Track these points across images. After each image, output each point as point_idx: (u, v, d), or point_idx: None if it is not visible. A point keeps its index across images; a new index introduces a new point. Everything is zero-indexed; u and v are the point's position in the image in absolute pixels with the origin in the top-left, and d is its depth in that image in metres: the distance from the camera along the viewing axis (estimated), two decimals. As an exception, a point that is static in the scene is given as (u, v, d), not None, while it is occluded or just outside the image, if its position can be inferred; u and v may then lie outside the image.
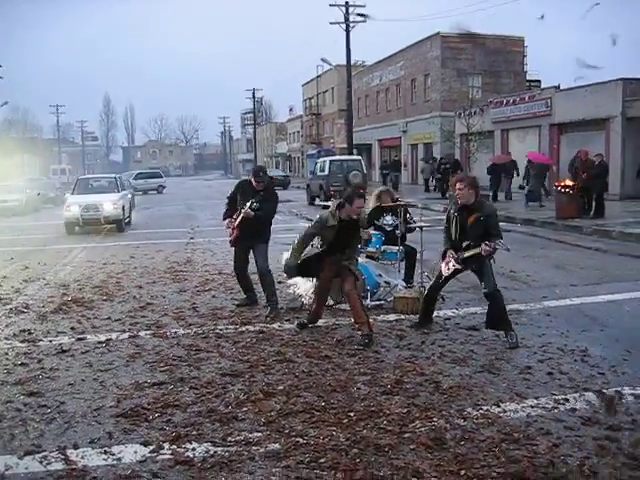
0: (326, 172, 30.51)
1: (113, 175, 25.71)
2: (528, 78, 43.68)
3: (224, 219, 9.22)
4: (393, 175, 39.40)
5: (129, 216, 23.22)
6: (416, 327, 7.82)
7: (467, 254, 7.20)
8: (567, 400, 5.40)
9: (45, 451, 4.65)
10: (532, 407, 5.28)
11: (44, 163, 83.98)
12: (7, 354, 7.17)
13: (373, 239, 9.28)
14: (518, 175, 26.54)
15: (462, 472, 4.18)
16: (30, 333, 8.04)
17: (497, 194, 26.43)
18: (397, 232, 9.55)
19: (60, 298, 10.13)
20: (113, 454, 4.59)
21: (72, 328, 8.25)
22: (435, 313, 8.21)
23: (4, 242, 18.59)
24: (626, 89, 25.49)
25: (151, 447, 4.67)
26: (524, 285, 10.35)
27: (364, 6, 39.83)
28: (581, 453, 4.44)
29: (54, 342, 7.59)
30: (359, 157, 35.04)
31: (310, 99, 74.41)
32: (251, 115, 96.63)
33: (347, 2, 39.75)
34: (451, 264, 7.33)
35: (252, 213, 8.63)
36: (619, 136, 25.45)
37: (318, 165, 32.86)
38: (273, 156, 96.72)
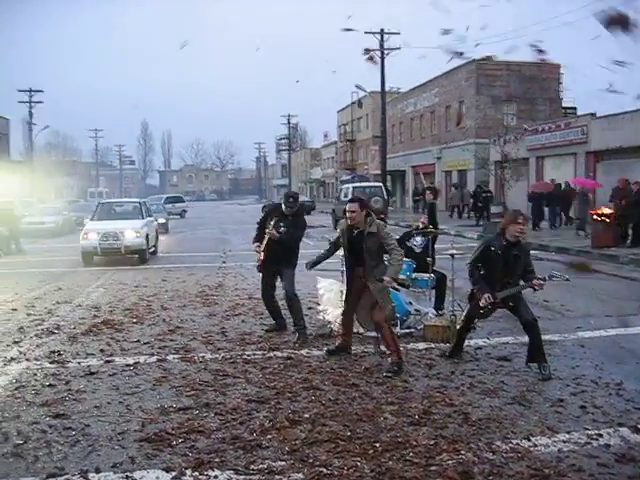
0: (349, 197, 30.59)
1: (137, 200, 23.28)
2: (564, 105, 43.37)
3: (253, 242, 9.23)
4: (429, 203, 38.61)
5: (154, 245, 21.04)
6: (446, 356, 7.69)
7: (507, 293, 7.04)
8: (600, 435, 5.23)
9: (67, 474, 4.63)
10: (564, 442, 5.12)
11: (82, 186, 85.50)
12: (36, 375, 7.21)
13: (404, 266, 9.19)
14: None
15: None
16: (60, 354, 8.09)
17: (537, 223, 25.96)
18: (428, 259, 9.45)
19: (91, 320, 10.19)
20: (135, 479, 4.54)
21: (101, 350, 8.27)
22: (466, 343, 8.07)
23: (40, 263, 18.87)
24: (665, 117, 25.11)
25: (173, 473, 4.62)
26: (558, 315, 10.16)
27: (399, 33, 40.08)
28: (614, 492, 4.28)
29: (82, 364, 7.61)
30: (380, 184, 35.92)
31: (345, 125, 74.74)
32: (286, 141, 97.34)
33: (382, 30, 39.99)
34: (484, 303, 7.06)
35: (277, 234, 8.61)
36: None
37: (342, 191, 33.98)
38: (307, 182, 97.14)
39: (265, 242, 8.79)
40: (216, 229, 35.13)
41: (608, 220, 18.34)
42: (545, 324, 9.02)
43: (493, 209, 29.13)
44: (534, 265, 7.26)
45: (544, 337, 7.83)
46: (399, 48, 39.56)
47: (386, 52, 40.19)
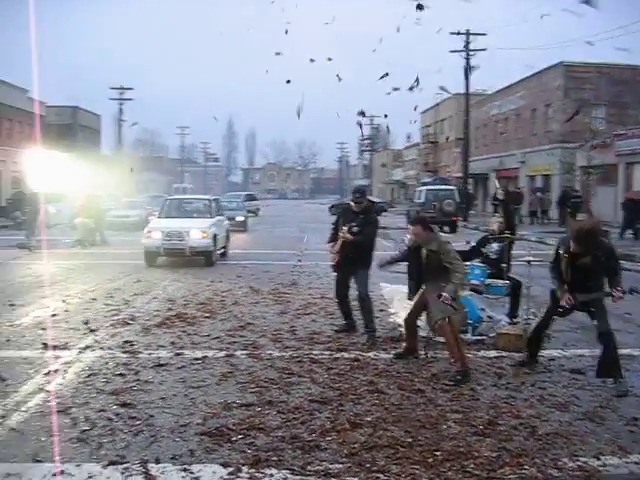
0: (422, 200, 32.75)
1: (207, 197, 21.74)
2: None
3: (328, 243, 9.23)
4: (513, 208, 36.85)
5: (224, 246, 19.41)
6: (518, 366, 7.47)
7: (587, 298, 6.82)
8: (677, 459, 4.96)
9: (128, 462, 4.72)
10: (636, 464, 4.87)
11: (168, 181, 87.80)
12: (108, 364, 7.40)
13: (477, 271, 9.01)
14: None
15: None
16: (132, 345, 8.28)
17: (624, 232, 24.88)
18: (503, 265, 9.20)
19: (165, 312, 10.40)
20: (192, 472, 4.59)
21: (172, 343, 8.42)
22: (539, 353, 7.84)
23: (122, 255, 19.43)
24: None
25: (230, 469, 4.64)
26: (639, 329, 9.72)
27: (485, 34, 39.38)
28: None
29: (153, 355, 7.77)
30: (454, 187, 36.67)
31: (428, 127, 74.03)
32: (368, 142, 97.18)
33: (468, 31, 39.41)
34: (565, 304, 6.90)
35: (350, 237, 8.56)
36: None
37: (416, 193, 35.78)
38: (388, 183, 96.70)
39: (340, 243, 8.77)
40: (294, 227, 35.35)
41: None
42: (624, 338, 8.68)
43: (579, 217, 28.21)
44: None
45: (622, 351, 7.52)
46: (485, 49, 38.92)
47: (471, 53, 39.57)
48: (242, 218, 31.45)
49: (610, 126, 36.73)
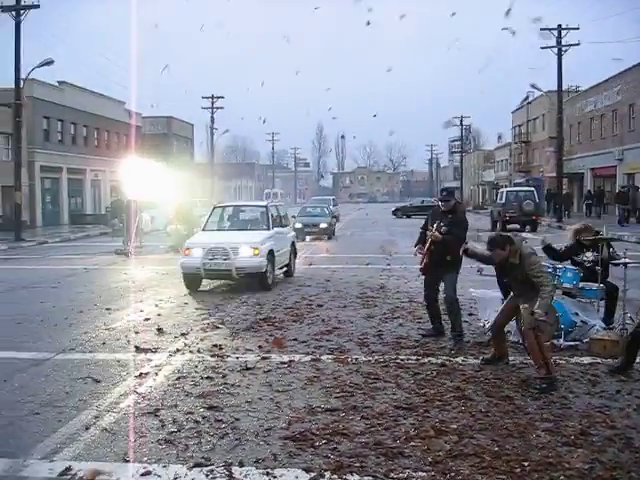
0: (503, 201, 34.15)
1: (263, 203, 17.29)
2: None
3: (415, 246, 9.14)
4: (621, 208, 34.70)
5: (288, 264, 15.75)
6: (613, 373, 7.16)
7: None
8: None
9: (213, 465, 4.81)
10: None
11: (259, 187, 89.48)
12: (197, 367, 7.57)
13: (570, 274, 8.71)
14: None
15: None
16: (221, 348, 8.43)
17: None
18: (597, 268, 8.84)
19: (253, 316, 10.54)
20: (275, 476, 4.62)
21: (259, 347, 8.52)
22: (638, 359, 7.49)
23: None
24: None
25: (312, 474, 4.65)
26: None
27: (578, 29, 38.05)
28: None
29: (240, 359, 7.87)
30: (532, 188, 37.12)
31: (519, 126, 72.26)
32: (459, 143, 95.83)
33: (560, 25, 38.21)
34: None
35: (440, 236, 8.44)
36: None
37: (499, 195, 37.26)
38: (479, 184, 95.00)
39: (428, 244, 8.67)
40: (384, 231, 35.22)
41: None
42: None
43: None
44: None
45: None
46: (578, 44, 37.60)
47: (564, 49, 38.34)
48: (325, 225, 29.89)
49: None
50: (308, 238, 28.67)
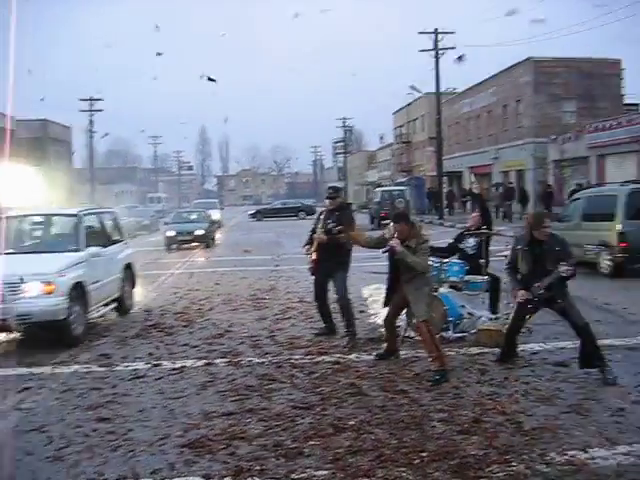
0: (378, 199, 38.10)
1: (74, 211, 10.88)
2: (625, 102, 41.99)
3: (304, 246, 9.13)
4: (506, 204, 35.97)
5: (119, 298, 11.19)
6: (499, 361, 7.40)
7: (543, 284, 6.77)
8: (666, 449, 4.89)
9: (106, 480, 4.57)
10: (624, 455, 4.81)
11: (142, 192, 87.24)
12: (83, 378, 7.22)
13: (456, 268, 8.96)
14: None
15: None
16: (108, 357, 8.10)
17: None
18: (481, 260, 9.14)
19: (142, 325, 10.21)
20: (173, 487, 4.46)
21: (149, 354, 8.25)
22: (521, 347, 7.80)
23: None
24: None
25: (211, 482, 4.51)
26: (620, 319, 9.67)
27: (454, 32, 39.43)
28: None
29: (130, 367, 7.59)
30: (405, 187, 41.84)
31: (400, 127, 74.17)
32: (342, 144, 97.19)
33: (436, 29, 39.47)
34: (521, 299, 6.95)
35: (324, 237, 8.46)
36: None
37: (374, 194, 42.04)
38: (363, 185, 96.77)
39: (315, 245, 8.67)
40: (271, 233, 35.16)
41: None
42: (605, 328, 8.68)
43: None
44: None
45: (604, 342, 7.53)
46: (454, 47, 38.95)
47: (440, 52, 39.63)
48: (202, 232, 26.49)
49: (581, 119, 36.98)
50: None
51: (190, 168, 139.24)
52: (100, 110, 58.08)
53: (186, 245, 26.42)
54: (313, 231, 9.04)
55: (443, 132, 43.85)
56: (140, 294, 12.98)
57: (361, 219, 35.16)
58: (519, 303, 7.04)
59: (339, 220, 8.59)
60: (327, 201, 8.93)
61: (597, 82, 39.69)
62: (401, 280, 7.21)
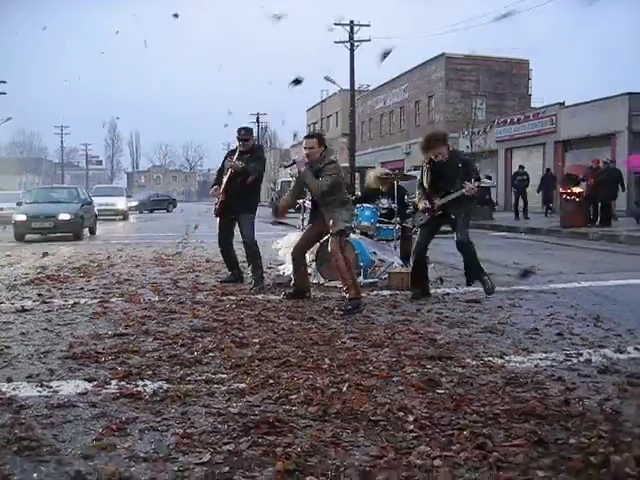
0: (279, 189, 42.83)
1: None
2: (532, 105, 43.26)
3: (211, 187, 8.66)
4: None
5: None
6: (411, 299, 7.17)
7: (445, 199, 7.05)
8: (580, 354, 4.73)
9: (-30, 384, 3.99)
10: (541, 359, 4.61)
11: (48, 183, 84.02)
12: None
13: (367, 213, 8.70)
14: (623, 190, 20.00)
15: (459, 409, 3.51)
16: (-8, 298, 7.40)
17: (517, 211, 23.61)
18: (393, 205, 8.90)
19: (35, 275, 9.48)
20: (50, 387, 3.94)
21: (39, 294, 7.61)
22: (433, 291, 7.60)
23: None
24: (632, 103, 25.00)
25: (95, 382, 4.02)
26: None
27: (369, 25, 39.56)
28: (600, 396, 3.77)
29: (16, 305, 6.93)
30: None
31: (314, 124, 74.17)
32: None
33: (352, 21, 39.53)
34: (422, 207, 7.26)
35: (240, 164, 7.97)
36: (626, 151, 24.87)
37: (276, 184, 48.70)
38: (276, 183, 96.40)
39: (225, 182, 8.19)
40: (180, 219, 34.28)
41: (578, 199, 18.03)
42: (515, 279, 8.58)
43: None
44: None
45: (514, 287, 7.56)
46: (369, 40, 39.07)
47: (356, 45, 39.72)
48: (68, 216, 18.37)
49: (490, 116, 37.83)
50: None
51: (99, 162, 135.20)
52: (3, 93, 55.41)
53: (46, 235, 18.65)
54: (219, 172, 8.61)
55: (357, 128, 44.08)
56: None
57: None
58: (414, 218, 7.66)
59: (250, 160, 8.17)
60: (239, 143, 8.43)
61: (506, 81, 40.78)
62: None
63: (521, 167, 25.03)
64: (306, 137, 7.14)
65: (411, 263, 7.58)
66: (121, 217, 33.38)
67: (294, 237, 8.80)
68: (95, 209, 22.44)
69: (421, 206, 7.28)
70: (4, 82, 55.60)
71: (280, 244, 9.59)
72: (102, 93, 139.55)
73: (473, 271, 7.27)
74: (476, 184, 6.89)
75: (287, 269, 8.98)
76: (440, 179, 7.14)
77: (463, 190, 6.86)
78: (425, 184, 7.29)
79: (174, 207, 55.03)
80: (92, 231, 20.94)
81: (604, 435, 3.11)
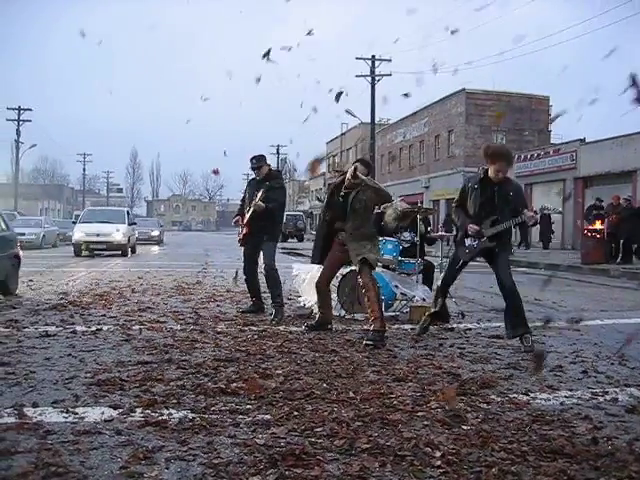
0: (285, 221, 44.00)
1: None
2: (552, 141, 43.25)
3: (234, 217, 8.76)
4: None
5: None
6: (419, 334, 7.02)
7: (494, 230, 6.41)
8: (607, 392, 4.68)
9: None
10: (566, 397, 4.57)
11: (69, 210, 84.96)
12: (-15, 336, 6.58)
13: (390, 246, 8.71)
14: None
15: (486, 446, 3.48)
16: (17, 322, 7.46)
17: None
18: (416, 239, 8.90)
19: (57, 301, 9.55)
20: (76, 413, 3.95)
21: (62, 320, 7.66)
22: (454, 326, 7.60)
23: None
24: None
25: (121, 410, 4.03)
26: (550, 310, 9.58)
27: (390, 60, 39.95)
28: (629, 436, 3.72)
29: (40, 330, 6.98)
30: (301, 213, 57.02)
31: (334, 156, 74.58)
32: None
33: (373, 56, 39.93)
34: (472, 232, 6.51)
35: (263, 205, 8.06)
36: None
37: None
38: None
39: (249, 215, 8.27)
40: (200, 249, 34.45)
41: (599, 236, 17.93)
42: (537, 315, 8.49)
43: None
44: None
45: (537, 324, 7.38)
46: (390, 74, 39.42)
47: (377, 79, 40.07)
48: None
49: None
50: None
51: (119, 190, 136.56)
52: (28, 120, 56.27)
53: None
54: (242, 204, 8.70)
55: (376, 161, 44.25)
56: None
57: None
58: (456, 247, 6.82)
59: (271, 189, 8.24)
60: (254, 172, 8.53)
61: (526, 116, 40.87)
62: (337, 236, 6.92)
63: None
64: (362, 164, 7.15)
65: (440, 283, 7.18)
66: (119, 252, 23.84)
67: (315, 270, 8.83)
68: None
69: (471, 231, 6.49)
70: (30, 110, 56.56)
71: (301, 274, 9.61)
72: (124, 121, 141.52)
73: (517, 322, 6.34)
74: (535, 214, 6.40)
75: (307, 301, 9.01)
76: (488, 204, 6.42)
77: (523, 217, 6.25)
78: (471, 207, 6.53)
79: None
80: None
81: (635, 476, 3.08)
